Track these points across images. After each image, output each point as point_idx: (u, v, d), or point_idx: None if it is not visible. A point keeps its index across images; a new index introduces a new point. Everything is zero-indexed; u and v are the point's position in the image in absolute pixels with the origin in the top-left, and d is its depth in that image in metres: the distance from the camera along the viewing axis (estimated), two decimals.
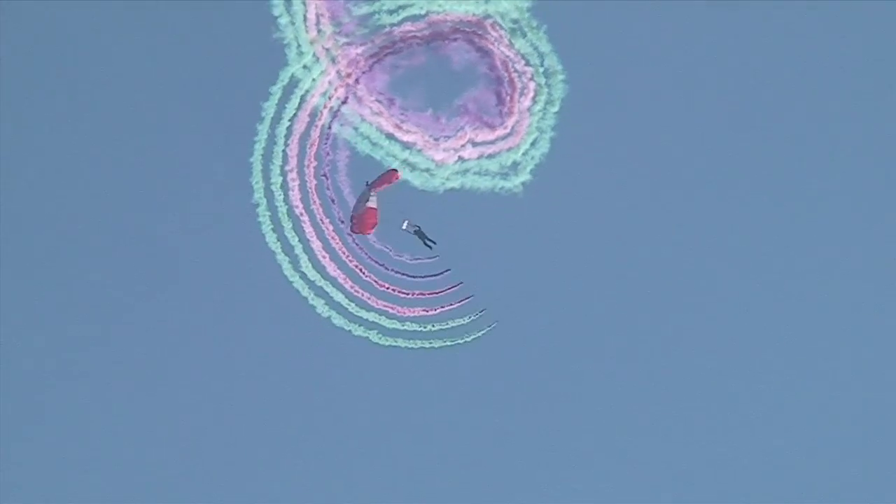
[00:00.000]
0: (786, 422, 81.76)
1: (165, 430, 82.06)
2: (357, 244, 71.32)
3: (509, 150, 69.52)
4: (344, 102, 68.95)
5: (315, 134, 69.72)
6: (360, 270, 71.45)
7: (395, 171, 68.89)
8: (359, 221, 70.42)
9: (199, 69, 79.90)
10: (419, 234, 71.28)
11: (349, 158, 70.08)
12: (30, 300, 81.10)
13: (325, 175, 69.99)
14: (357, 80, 68.64)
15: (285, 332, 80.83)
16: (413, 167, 69.98)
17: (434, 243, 71.19)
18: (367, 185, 69.85)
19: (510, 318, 72.29)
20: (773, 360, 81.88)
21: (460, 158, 69.77)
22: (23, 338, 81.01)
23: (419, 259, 71.79)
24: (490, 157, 69.77)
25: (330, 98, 69.12)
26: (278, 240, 71.15)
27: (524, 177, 69.52)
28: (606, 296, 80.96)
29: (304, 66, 68.64)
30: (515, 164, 69.47)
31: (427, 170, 70.11)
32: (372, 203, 70.06)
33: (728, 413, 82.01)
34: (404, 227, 71.18)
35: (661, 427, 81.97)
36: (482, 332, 72.00)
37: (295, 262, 71.45)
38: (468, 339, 72.82)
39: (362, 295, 71.87)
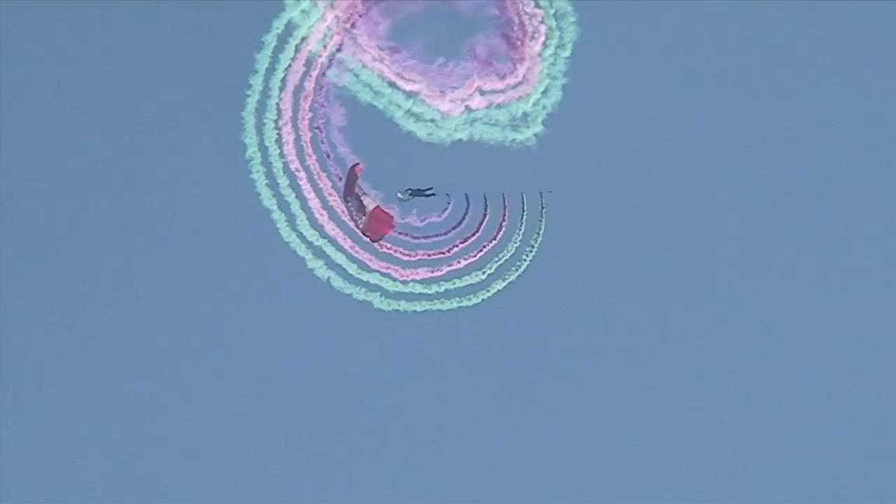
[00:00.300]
0: (801, 422, 79.96)
1: (161, 398, 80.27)
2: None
3: (519, 99, 66.04)
4: (339, 49, 65.40)
5: (310, 85, 66.40)
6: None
7: (355, 165, 65.47)
8: (373, 229, 67.14)
9: (189, 18, 76.68)
10: (416, 193, 67.85)
11: (346, 109, 66.73)
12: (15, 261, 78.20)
13: (318, 128, 66.81)
14: (354, 25, 64.99)
15: (282, 295, 78.04)
16: (417, 118, 66.44)
17: (432, 191, 67.56)
18: (343, 199, 66.47)
19: (521, 280, 68.97)
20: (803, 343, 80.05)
21: (467, 108, 66.25)
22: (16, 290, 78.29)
23: (426, 219, 68.40)
24: (499, 106, 66.27)
25: (326, 46, 65.60)
26: (274, 197, 67.97)
27: (536, 128, 66.11)
28: (626, 256, 78.37)
29: (303, 11, 64.91)
30: (526, 115, 66.05)
31: (432, 120, 66.62)
32: (369, 204, 66.62)
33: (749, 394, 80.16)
34: (400, 197, 67.64)
35: (672, 402, 79.97)
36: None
37: (291, 222, 68.34)
38: (475, 302, 69.81)
39: (363, 256, 68.80)
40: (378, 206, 67.15)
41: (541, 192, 67.71)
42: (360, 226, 67.49)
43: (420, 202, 68.30)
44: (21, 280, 79.10)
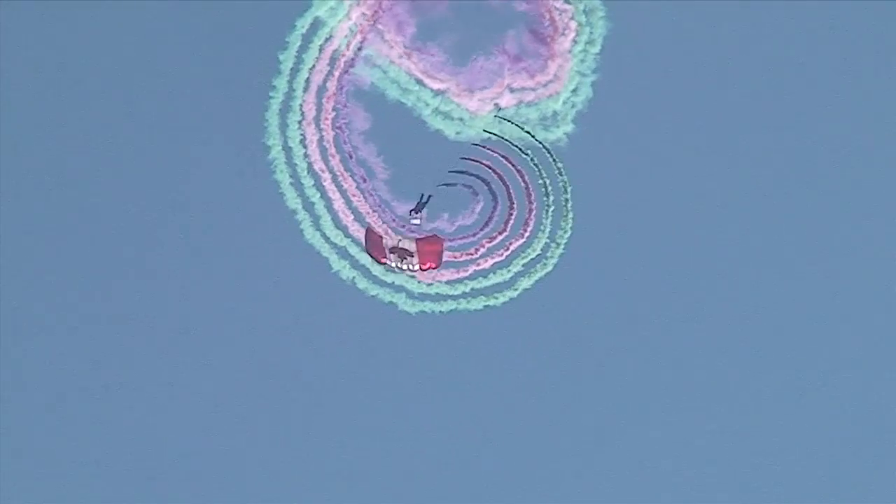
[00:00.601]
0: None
1: (183, 398, 79.65)
2: (382, 206, 66.96)
3: (550, 97, 65.00)
4: (362, 45, 64.30)
5: (333, 84, 65.37)
6: (387, 233, 67.22)
7: (367, 228, 65.13)
8: (429, 257, 66.25)
9: (212, 17, 75.79)
10: (420, 207, 67.03)
11: (372, 108, 65.68)
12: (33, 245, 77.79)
13: (339, 128, 65.77)
14: (380, 21, 63.92)
15: (307, 296, 77.05)
16: (446, 115, 65.39)
17: (428, 195, 66.50)
18: (380, 262, 65.63)
19: (549, 279, 67.91)
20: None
21: (496, 106, 65.13)
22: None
23: (456, 222, 67.41)
24: (529, 104, 65.24)
25: (350, 43, 64.55)
26: (298, 198, 66.96)
27: (567, 127, 65.06)
28: (655, 254, 77.42)
29: (329, 8, 63.79)
30: (556, 114, 65.04)
31: (461, 119, 65.60)
32: (409, 245, 65.93)
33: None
34: (414, 222, 66.83)
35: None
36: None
37: (315, 222, 67.31)
38: (502, 300, 68.75)
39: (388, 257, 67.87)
40: (418, 239, 66.43)
41: (564, 187, 66.60)
42: (417, 268, 66.59)
43: (443, 204, 67.50)
44: (44, 277, 78.49)
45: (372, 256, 66.60)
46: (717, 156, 77.79)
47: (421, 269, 66.57)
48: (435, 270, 66.65)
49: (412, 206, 66.64)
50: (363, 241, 66.73)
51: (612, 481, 79.70)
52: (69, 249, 78.62)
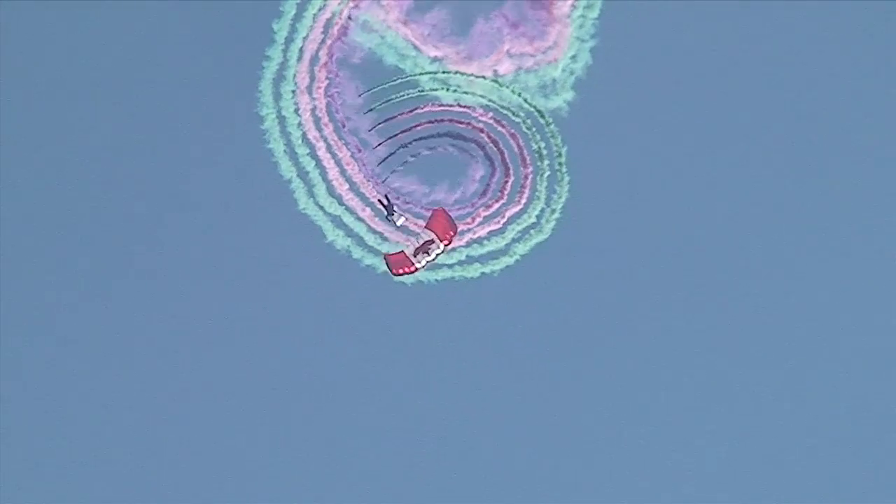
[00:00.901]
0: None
1: (178, 371, 78.19)
2: (378, 179, 66.22)
3: (549, 63, 64.12)
4: (354, 12, 63.28)
5: (327, 54, 64.35)
6: (381, 203, 66.48)
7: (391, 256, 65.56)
8: (442, 230, 65.78)
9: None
10: (389, 206, 66.57)
11: (366, 74, 64.70)
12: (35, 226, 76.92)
13: (331, 97, 64.84)
14: None
15: (302, 265, 76.06)
16: (443, 82, 64.47)
17: (388, 207, 66.17)
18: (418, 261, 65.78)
19: (544, 246, 67.36)
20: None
21: (495, 73, 64.23)
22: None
23: (454, 193, 66.80)
24: (528, 70, 64.32)
25: (342, 12, 63.52)
26: (293, 166, 66.04)
27: (567, 94, 64.23)
28: (653, 221, 76.79)
29: None
30: (555, 81, 64.19)
31: (458, 87, 64.71)
32: (426, 234, 65.71)
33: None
34: (398, 222, 66.60)
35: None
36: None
37: (310, 191, 66.48)
38: (498, 268, 68.19)
39: (382, 227, 67.20)
40: (426, 225, 65.96)
41: (559, 152, 65.93)
42: (443, 247, 66.28)
43: (441, 173, 66.87)
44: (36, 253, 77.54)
45: (405, 273, 66.45)
46: (718, 123, 77.19)
47: (446, 245, 66.24)
48: (455, 235, 66.50)
49: (393, 199, 66.42)
50: (388, 269, 66.53)
51: (608, 443, 79.53)
52: (64, 215, 77.72)
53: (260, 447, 78.84)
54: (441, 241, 65.97)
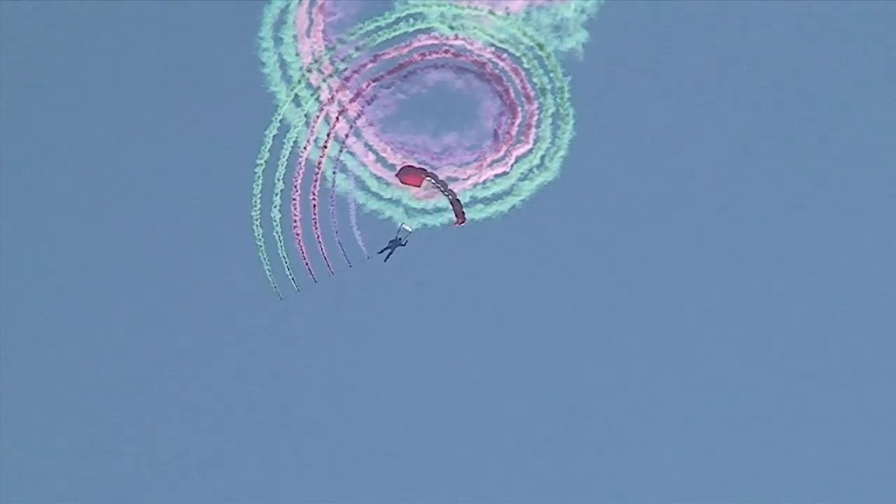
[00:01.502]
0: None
1: (178, 371, 78.42)
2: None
3: (561, 2, 62.57)
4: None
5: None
6: None
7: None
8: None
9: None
10: (395, 243, 66.37)
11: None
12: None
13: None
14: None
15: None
16: (446, 20, 62.90)
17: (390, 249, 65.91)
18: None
19: (551, 189, 65.96)
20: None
21: (507, 10, 62.58)
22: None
23: (463, 139, 65.58)
24: (540, 8, 62.72)
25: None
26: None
27: (580, 35, 62.71)
28: (662, 161, 75.93)
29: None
30: (566, 20, 62.60)
31: (462, 25, 63.03)
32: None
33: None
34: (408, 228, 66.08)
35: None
36: None
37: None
38: (504, 208, 67.08)
39: (384, 174, 66.26)
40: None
41: (560, 90, 64.50)
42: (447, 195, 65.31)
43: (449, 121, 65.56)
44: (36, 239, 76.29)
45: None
46: (728, 66, 76.28)
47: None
48: (421, 185, 65.54)
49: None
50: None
51: (611, 383, 79.44)
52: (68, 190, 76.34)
53: (259, 434, 78.47)
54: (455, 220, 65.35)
